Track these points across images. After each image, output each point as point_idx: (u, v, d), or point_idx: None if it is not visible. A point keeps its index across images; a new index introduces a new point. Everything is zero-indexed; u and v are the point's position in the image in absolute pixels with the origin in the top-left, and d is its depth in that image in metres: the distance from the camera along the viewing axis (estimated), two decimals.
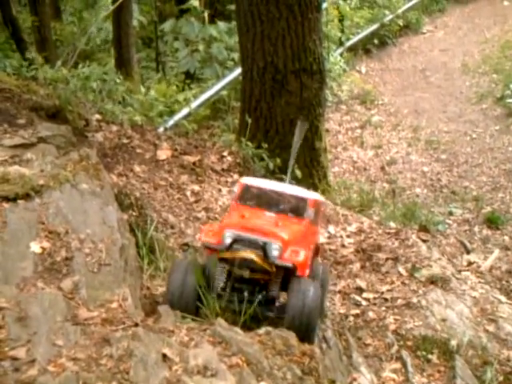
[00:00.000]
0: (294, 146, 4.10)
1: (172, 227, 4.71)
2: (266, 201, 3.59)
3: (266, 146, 6.52)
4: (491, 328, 4.48)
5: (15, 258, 2.99)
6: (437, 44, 15.70)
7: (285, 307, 3.19)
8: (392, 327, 4.27)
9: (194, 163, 5.71)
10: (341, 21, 13.90)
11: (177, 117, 8.28)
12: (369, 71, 14.10)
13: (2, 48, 11.20)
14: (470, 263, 5.61)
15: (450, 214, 8.23)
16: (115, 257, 3.24)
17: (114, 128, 5.82)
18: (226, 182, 5.72)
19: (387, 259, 5.09)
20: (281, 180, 5.66)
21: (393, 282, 4.81)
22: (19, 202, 3.34)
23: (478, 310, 4.68)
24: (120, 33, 11.49)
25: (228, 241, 3.21)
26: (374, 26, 14.76)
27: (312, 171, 7.49)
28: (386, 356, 3.94)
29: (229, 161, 5.99)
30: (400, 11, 15.51)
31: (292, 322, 3.08)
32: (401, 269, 4.96)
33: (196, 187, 5.41)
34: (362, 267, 5.02)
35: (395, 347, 4.02)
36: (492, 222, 7.88)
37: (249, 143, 6.40)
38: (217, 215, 5.09)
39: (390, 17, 15.20)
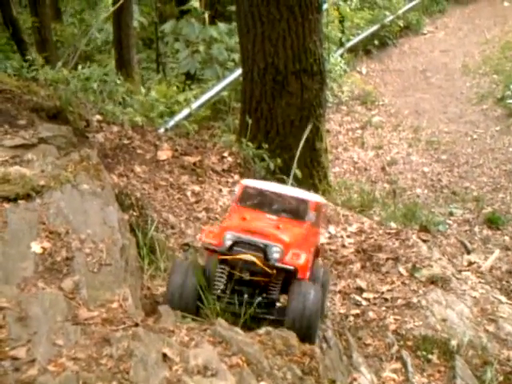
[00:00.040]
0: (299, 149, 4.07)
1: (172, 227, 4.71)
2: (266, 203, 3.58)
3: (266, 146, 6.52)
4: (491, 328, 4.48)
5: (16, 258, 3.00)
6: (437, 45, 15.70)
7: (285, 310, 3.18)
8: (392, 327, 4.28)
9: (194, 164, 5.72)
10: (341, 22, 13.92)
11: (177, 117, 8.28)
12: (369, 72, 14.10)
13: (3, 49, 11.23)
14: (470, 263, 5.61)
15: (451, 214, 8.23)
16: (116, 257, 3.24)
17: (115, 129, 5.83)
18: (227, 182, 5.72)
19: (387, 259, 5.10)
20: (281, 181, 5.66)
21: (393, 282, 4.81)
22: (20, 202, 3.35)
23: (478, 310, 4.68)
24: (120, 34, 11.52)
25: (228, 243, 3.21)
26: (375, 27, 14.79)
27: (313, 172, 7.49)
28: (386, 356, 3.94)
29: (229, 161, 5.99)
30: (400, 12, 15.54)
31: (292, 324, 3.08)
32: (401, 269, 4.96)
33: (196, 188, 5.41)
34: (363, 267, 5.02)
35: (395, 347, 4.03)
36: (492, 223, 7.88)
37: (249, 144, 6.40)
38: (217, 215, 5.09)
39: (391, 18, 15.23)
